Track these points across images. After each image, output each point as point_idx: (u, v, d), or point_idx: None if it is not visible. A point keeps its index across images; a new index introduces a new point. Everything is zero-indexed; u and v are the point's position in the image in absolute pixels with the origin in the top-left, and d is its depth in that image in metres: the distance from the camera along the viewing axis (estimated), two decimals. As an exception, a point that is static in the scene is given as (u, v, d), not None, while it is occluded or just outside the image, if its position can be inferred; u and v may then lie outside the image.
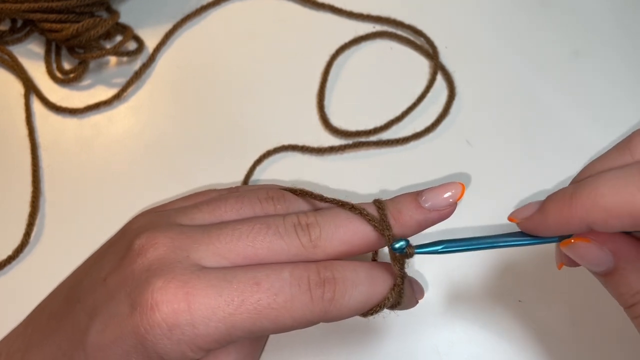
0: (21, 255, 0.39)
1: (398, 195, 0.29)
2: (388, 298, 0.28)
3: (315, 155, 0.42)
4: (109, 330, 0.26)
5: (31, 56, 0.45)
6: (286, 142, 0.42)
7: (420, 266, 0.38)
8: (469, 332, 0.37)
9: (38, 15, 0.42)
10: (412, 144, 0.42)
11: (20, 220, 0.40)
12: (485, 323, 0.37)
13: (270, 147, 0.42)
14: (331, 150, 0.41)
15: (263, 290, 0.25)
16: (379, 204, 0.29)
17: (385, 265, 0.29)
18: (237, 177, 0.41)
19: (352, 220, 0.28)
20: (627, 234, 0.26)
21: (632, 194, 0.22)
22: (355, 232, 0.28)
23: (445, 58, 0.45)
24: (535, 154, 0.42)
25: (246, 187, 0.35)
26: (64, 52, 0.45)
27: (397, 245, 0.27)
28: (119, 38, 0.45)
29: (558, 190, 0.26)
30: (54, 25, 0.42)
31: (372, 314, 0.28)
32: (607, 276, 0.26)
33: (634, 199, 0.22)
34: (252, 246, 0.27)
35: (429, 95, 0.43)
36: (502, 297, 0.38)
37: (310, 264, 0.27)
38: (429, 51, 0.45)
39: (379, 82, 0.44)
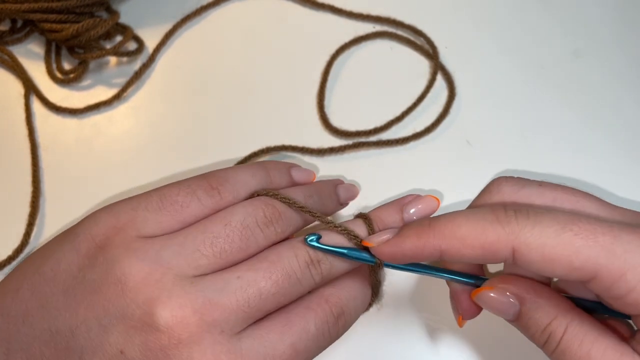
0: (21, 256, 0.39)
1: (383, 211, 0.31)
2: (370, 304, 0.32)
3: (316, 156, 0.42)
4: None
5: (31, 56, 0.45)
6: (286, 142, 0.42)
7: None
8: (469, 332, 0.37)
9: (38, 16, 0.42)
10: (412, 144, 0.42)
11: (20, 220, 0.40)
12: (485, 323, 0.37)
13: (269, 145, 0.42)
14: (331, 151, 0.41)
15: (301, 353, 0.28)
16: (368, 223, 0.30)
17: (366, 275, 0.32)
18: (237, 177, 0.41)
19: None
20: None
21: (484, 227, 0.25)
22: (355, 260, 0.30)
23: (445, 58, 0.45)
24: (535, 154, 0.42)
25: (226, 183, 0.31)
26: (64, 52, 0.45)
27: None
28: (119, 38, 0.45)
29: (415, 221, 0.29)
30: (54, 26, 0.42)
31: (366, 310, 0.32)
32: (517, 321, 0.28)
33: (485, 231, 0.25)
34: (278, 302, 0.28)
35: (429, 95, 0.43)
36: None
37: (324, 307, 0.29)
38: (429, 51, 0.45)
39: (379, 82, 0.44)
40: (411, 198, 0.31)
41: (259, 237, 0.29)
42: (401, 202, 0.31)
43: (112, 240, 0.28)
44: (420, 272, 0.30)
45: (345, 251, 0.29)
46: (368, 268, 0.31)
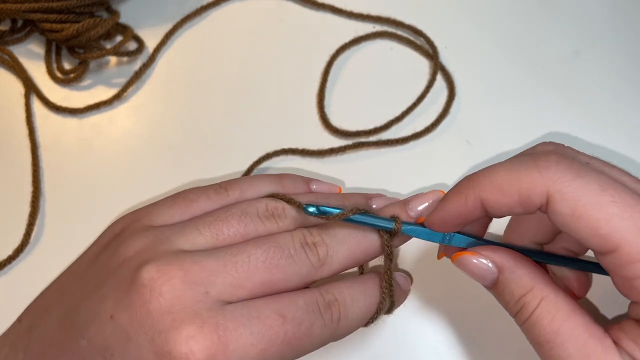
0: (21, 255, 0.39)
1: (387, 205, 0.31)
2: (382, 302, 0.29)
3: (316, 157, 0.42)
4: None
5: (31, 56, 0.45)
6: (286, 142, 0.42)
7: (418, 264, 0.38)
8: (469, 332, 0.37)
9: (38, 15, 0.42)
10: (412, 143, 0.42)
11: (20, 220, 0.40)
12: (485, 323, 0.37)
13: (271, 147, 0.42)
14: (331, 152, 0.41)
15: (288, 321, 0.26)
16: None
17: (371, 274, 0.31)
18: (237, 176, 0.41)
19: (355, 235, 0.30)
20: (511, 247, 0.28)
21: (519, 172, 0.25)
22: (357, 246, 0.29)
23: (445, 58, 0.45)
24: (535, 154, 0.42)
25: (235, 185, 0.32)
26: (64, 52, 0.45)
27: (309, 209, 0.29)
28: (119, 38, 0.45)
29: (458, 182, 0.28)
30: (54, 25, 0.42)
31: (372, 322, 0.30)
32: (493, 288, 0.28)
33: (520, 176, 0.25)
34: (269, 273, 0.27)
35: (429, 95, 0.43)
36: (502, 297, 0.38)
37: (314, 290, 0.28)
38: (429, 51, 0.45)
39: (379, 82, 0.44)
40: (413, 197, 0.31)
41: (259, 225, 0.29)
42: (405, 202, 0.31)
43: (127, 228, 0.30)
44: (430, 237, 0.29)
45: (349, 214, 0.28)
46: (380, 275, 0.30)
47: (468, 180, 0.27)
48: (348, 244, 0.29)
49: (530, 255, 0.28)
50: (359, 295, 0.29)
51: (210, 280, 0.26)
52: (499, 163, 0.26)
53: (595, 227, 0.23)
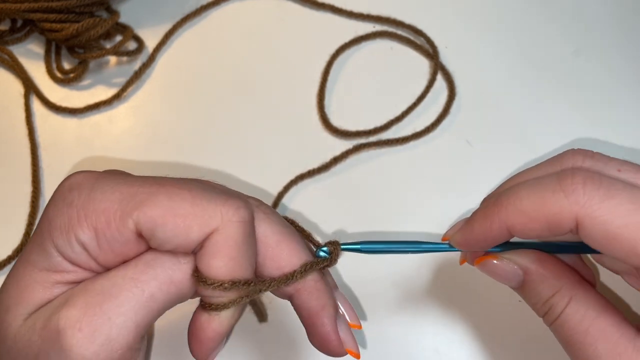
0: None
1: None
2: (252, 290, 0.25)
3: (323, 172, 0.41)
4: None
5: (31, 56, 0.45)
6: (286, 142, 0.42)
7: (420, 267, 0.38)
8: (469, 332, 0.37)
9: (38, 15, 0.42)
10: (412, 143, 0.42)
11: (20, 220, 0.40)
12: (485, 323, 0.37)
13: (270, 147, 0.42)
14: (335, 161, 0.41)
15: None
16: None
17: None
18: (237, 176, 0.41)
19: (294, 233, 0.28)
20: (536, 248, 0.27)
21: (545, 197, 0.23)
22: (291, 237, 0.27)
23: (445, 58, 0.45)
24: (535, 154, 0.42)
25: None
26: (64, 52, 0.45)
27: (321, 253, 0.28)
28: (119, 38, 0.45)
29: (483, 200, 0.27)
30: (54, 25, 0.42)
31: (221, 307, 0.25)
32: (520, 289, 0.27)
33: (546, 202, 0.23)
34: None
35: (429, 95, 0.43)
36: (502, 297, 0.38)
37: None
38: (429, 51, 0.45)
39: (379, 82, 0.44)
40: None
41: None
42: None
43: None
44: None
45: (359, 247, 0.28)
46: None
47: (494, 204, 0.25)
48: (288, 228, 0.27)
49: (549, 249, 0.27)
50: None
51: None
52: (523, 184, 0.25)
53: (631, 248, 0.22)
